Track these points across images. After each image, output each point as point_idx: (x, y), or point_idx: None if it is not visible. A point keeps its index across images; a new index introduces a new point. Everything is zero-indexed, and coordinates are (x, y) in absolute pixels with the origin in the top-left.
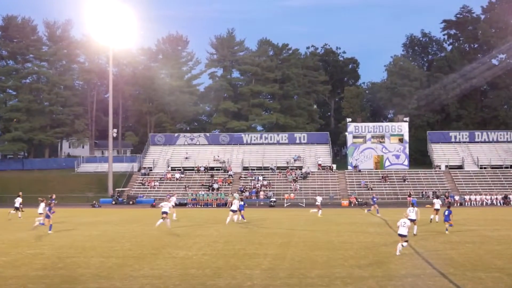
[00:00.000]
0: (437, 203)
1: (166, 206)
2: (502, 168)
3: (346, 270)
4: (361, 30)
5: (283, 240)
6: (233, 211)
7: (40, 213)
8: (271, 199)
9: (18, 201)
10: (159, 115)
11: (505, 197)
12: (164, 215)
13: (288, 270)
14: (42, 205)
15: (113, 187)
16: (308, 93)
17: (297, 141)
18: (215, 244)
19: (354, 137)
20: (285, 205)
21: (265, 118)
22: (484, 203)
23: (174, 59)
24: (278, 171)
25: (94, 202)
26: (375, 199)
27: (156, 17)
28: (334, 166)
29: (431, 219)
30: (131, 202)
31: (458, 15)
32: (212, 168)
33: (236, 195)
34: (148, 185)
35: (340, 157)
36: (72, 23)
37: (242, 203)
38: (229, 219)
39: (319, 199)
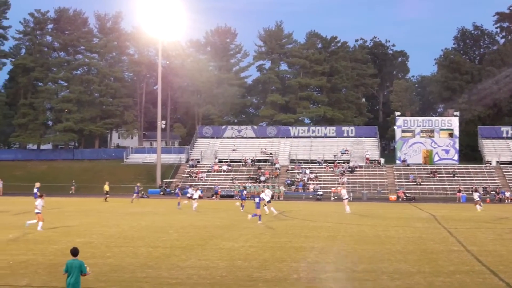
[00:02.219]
0: (476, 195)
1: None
2: None
3: (393, 265)
4: (411, 22)
5: (329, 233)
6: (269, 201)
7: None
8: (318, 193)
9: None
10: (207, 107)
11: None
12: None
13: (334, 264)
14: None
15: (161, 178)
16: (357, 86)
17: (345, 134)
18: (262, 236)
19: (403, 131)
20: (332, 198)
21: (312, 111)
22: None
23: (223, 52)
24: (325, 164)
25: (143, 192)
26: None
27: (205, 9)
28: (382, 160)
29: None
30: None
31: (511, 8)
32: (259, 161)
33: (267, 190)
34: (196, 177)
35: (388, 151)
36: (122, 15)
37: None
38: (268, 211)
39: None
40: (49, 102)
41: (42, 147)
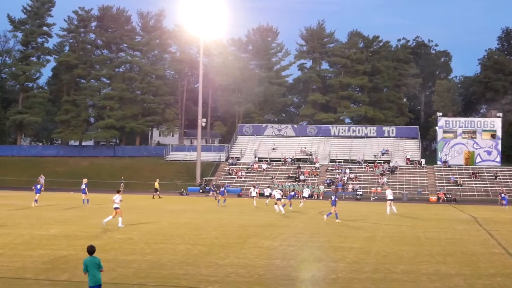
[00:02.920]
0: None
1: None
2: None
3: (433, 266)
4: (454, 22)
5: (368, 234)
6: (278, 199)
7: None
8: (358, 193)
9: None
10: (247, 106)
11: None
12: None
13: (373, 265)
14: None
15: (200, 175)
16: (398, 86)
17: (386, 134)
18: (300, 236)
19: (444, 131)
20: (371, 199)
21: (353, 110)
22: None
23: (264, 50)
24: (365, 164)
25: (182, 190)
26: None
27: (247, 8)
28: (423, 161)
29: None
30: (218, 191)
31: None
32: (299, 160)
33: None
34: (235, 175)
35: (429, 152)
36: (164, 14)
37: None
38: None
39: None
40: (91, 99)
41: (84, 143)
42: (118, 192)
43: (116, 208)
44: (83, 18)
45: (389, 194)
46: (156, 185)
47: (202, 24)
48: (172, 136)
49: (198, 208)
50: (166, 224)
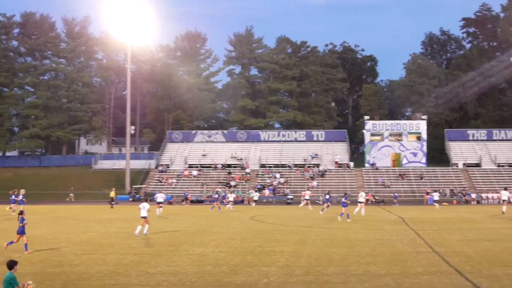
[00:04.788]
0: (505, 195)
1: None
2: None
3: (363, 267)
4: (380, 28)
5: (299, 237)
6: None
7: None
8: (288, 197)
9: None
10: (176, 112)
11: None
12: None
13: (304, 268)
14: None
15: (130, 184)
16: (326, 90)
17: (315, 138)
18: (232, 241)
19: (372, 134)
20: (301, 203)
21: (282, 115)
22: (501, 201)
23: (192, 56)
24: (295, 168)
25: (112, 198)
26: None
27: (175, 14)
28: (352, 163)
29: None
30: (148, 199)
31: (477, 13)
32: (229, 165)
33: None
34: (165, 182)
35: (357, 155)
36: (90, 20)
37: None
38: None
39: (308, 193)
40: (15, 108)
41: (8, 154)
42: (146, 200)
43: (143, 217)
44: (4, 25)
45: (361, 197)
46: (112, 194)
47: (129, 30)
48: (100, 144)
49: (128, 217)
50: (95, 234)
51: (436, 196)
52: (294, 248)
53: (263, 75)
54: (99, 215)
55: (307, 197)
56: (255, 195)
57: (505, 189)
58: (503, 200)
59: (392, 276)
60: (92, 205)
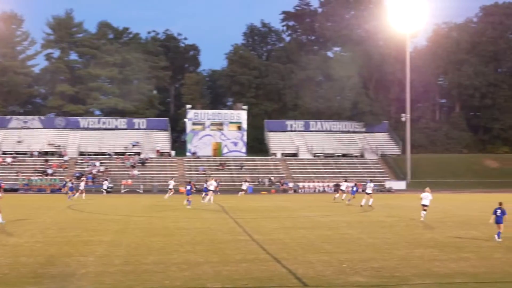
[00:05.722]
0: (369, 188)
1: None
2: (334, 156)
3: (182, 256)
4: (202, 17)
5: (119, 226)
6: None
7: None
8: (108, 185)
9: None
10: None
11: (336, 185)
12: None
13: (123, 257)
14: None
15: None
16: (149, 78)
17: (136, 126)
18: (48, 231)
19: (194, 123)
20: (122, 191)
21: (103, 102)
22: (317, 190)
23: (8, 38)
24: (116, 156)
25: None
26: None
27: None
28: (173, 152)
29: (362, 204)
30: None
31: (297, 7)
32: (46, 153)
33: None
34: None
35: (179, 144)
36: None
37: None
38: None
39: (171, 183)
40: None
41: None
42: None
43: None
44: None
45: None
46: None
47: None
48: None
49: None
50: None
51: (244, 186)
52: (113, 238)
53: (83, 60)
54: None
55: (170, 186)
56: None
57: (345, 180)
58: (340, 190)
59: (211, 264)
60: None
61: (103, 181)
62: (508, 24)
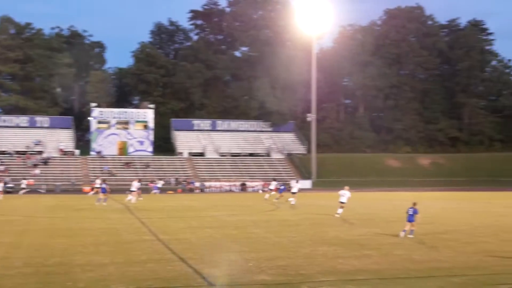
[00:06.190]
0: (295, 187)
1: None
2: (241, 156)
3: (86, 257)
4: (108, 14)
5: (19, 227)
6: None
7: None
8: (8, 185)
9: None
10: None
11: (243, 184)
12: None
13: (24, 259)
14: None
15: None
16: (52, 75)
17: (38, 124)
18: None
19: (99, 122)
20: (20, 192)
21: (4, 99)
22: (223, 189)
23: None
24: (16, 156)
25: None
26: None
27: None
28: (77, 151)
29: (290, 201)
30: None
31: (205, 6)
32: None
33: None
34: None
35: (83, 143)
36: None
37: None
38: None
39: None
40: None
41: None
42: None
43: None
44: None
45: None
46: None
47: None
48: None
49: None
50: None
51: (159, 184)
52: (14, 239)
53: None
54: None
55: (133, 188)
56: None
57: (274, 179)
58: (269, 189)
59: (116, 265)
60: None
61: (3, 181)
62: (410, 28)
